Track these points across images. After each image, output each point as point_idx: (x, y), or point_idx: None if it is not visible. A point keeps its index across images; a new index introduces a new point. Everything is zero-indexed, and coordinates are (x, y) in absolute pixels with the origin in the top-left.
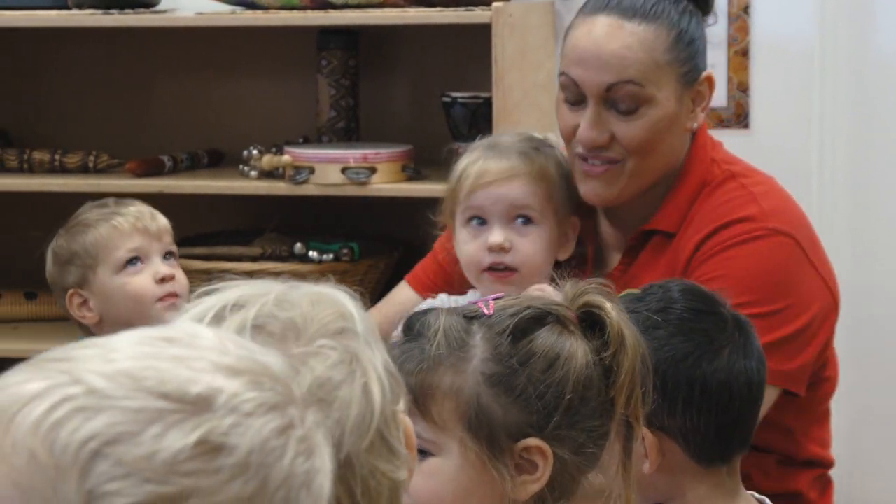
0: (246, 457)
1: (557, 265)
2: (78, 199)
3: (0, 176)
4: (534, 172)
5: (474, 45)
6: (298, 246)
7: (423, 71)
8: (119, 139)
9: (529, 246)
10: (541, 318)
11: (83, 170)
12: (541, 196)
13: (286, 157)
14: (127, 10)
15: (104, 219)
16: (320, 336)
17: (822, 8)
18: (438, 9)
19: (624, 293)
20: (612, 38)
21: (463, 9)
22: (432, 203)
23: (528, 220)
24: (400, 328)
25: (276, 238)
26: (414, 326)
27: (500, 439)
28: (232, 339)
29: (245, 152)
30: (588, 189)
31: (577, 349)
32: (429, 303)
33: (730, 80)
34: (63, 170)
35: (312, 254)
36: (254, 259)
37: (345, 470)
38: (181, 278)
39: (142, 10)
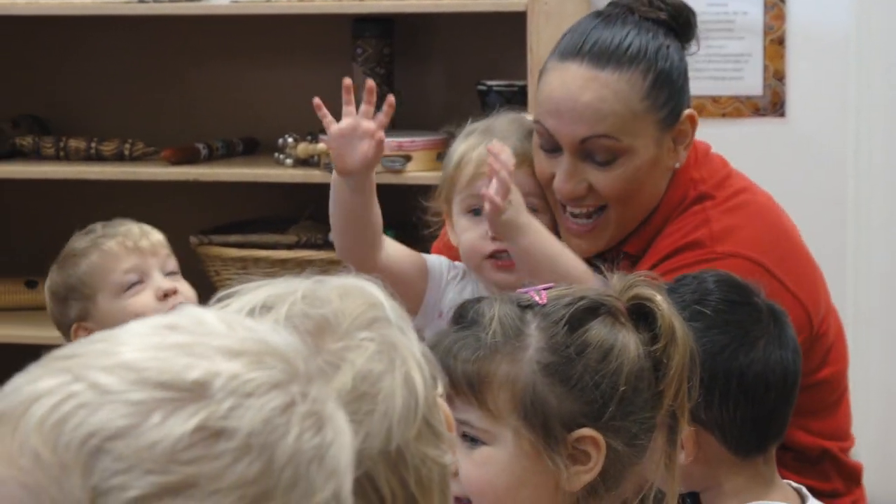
0: (247, 439)
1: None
2: (113, 187)
3: (37, 163)
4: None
5: (510, 32)
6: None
7: (457, 59)
8: (155, 127)
9: None
10: (594, 308)
11: (119, 157)
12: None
13: (321, 146)
14: None
15: (93, 245)
16: (355, 329)
17: None
18: None
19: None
20: (586, 89)
21: None
22: None
23: (531, 209)
24: (450, 315)
25: (311, 226)
26: (467, 314)
27: (555, 429)
28: (239, 321)
29: (280, 140)
30: (574, 246)
31: (629, 341)
32: (433, 257)
33: (766, 69)
34: (99, 158)
35: None
36: (288, 247)
37: (396, 461)
38: (186, 290)
39: None
